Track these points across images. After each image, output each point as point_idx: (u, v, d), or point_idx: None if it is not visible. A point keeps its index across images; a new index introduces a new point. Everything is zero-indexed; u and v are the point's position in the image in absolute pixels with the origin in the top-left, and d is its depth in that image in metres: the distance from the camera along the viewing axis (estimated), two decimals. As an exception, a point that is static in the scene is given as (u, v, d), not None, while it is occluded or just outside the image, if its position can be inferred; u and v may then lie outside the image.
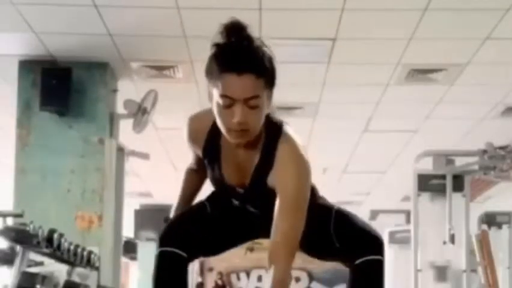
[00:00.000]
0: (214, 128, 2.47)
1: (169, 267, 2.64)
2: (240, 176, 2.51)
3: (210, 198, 2.77)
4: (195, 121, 2.62)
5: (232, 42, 2.33)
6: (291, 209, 2.41)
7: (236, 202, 2.64)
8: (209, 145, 2.55)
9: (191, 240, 2.66)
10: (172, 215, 2.87)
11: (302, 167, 2.43)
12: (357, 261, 2.60)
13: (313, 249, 2.73)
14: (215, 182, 2.61)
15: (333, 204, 2.73)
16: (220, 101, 2.32)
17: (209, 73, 2.37)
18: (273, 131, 2.46)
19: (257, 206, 2.60)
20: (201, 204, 2.77)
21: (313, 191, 2.67)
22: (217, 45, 2.35)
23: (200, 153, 2.61)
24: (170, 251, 2.63)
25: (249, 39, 2.35)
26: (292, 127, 2.54)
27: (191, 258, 2.68)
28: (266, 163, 2.44)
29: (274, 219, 2.42)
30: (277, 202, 2.42)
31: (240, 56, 2.32)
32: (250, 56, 2.33)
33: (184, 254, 2.64)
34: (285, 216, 2.40)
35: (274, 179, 2.44)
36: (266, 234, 2.50)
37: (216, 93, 2.33)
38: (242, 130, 2.34)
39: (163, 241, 2.66)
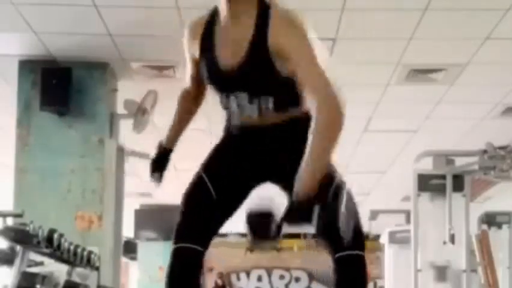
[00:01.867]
0: (211, 17, 2.59)
1: (186, 263, 2.63)
2: (237, 54, 2.50)
3: (207, 165, 2.74)
4: (193, 22, 2.74)
5: None
6: (307, 55, 2.42)
7: (234, 105, 2.60)
8: (205, 36, 2.60)
9: (204, 231, 2.67)
10: (163, 139, 2.91)
11: (297, 19, 2.49)
12: (338, 255, 2.58)
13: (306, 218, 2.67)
14: (210, 71, 2.60)
15: (336, 176, 2.65)
16: None
17: None
18: (266, 3, 2.51)
19: (255, 87, 2.56)
20: (201, 180, 2.73)
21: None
22: None
23: (197, 50, 2.64)
24: (186, 246, 2.63)
25: None
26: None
27: (206, 249, 2.67)
28: (261, 27, 2.46)
29: (299, 75, 2.38)
30: (292, 63, 2.40)
31: None
32: None
33: (200, 248, 2.63)
34: (305, 66, 2.39)
35: (274, 37, 2.44)
36: (271, 174, 2.53)
37: None
38: None
39: (177, 237, 2.65)
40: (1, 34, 6.03)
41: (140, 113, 6.72)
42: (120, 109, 6.78)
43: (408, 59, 6.38)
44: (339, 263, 2.59)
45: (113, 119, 6.64)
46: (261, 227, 2.39)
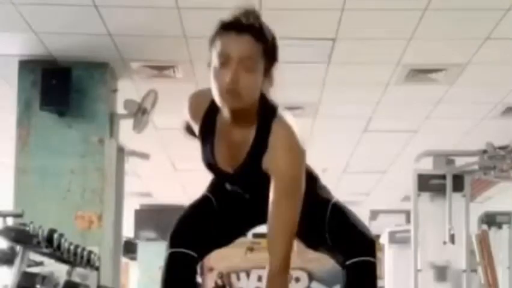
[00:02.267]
0: (212, 106, 2.48)
1: (179, 269, 2.63)
2: (233, 158, 2.50)
3: (212, 188, 2.76)
4: (194, 98, 2.64)
5: (239, 16, 2.38)
6: (285, 193, 2.41)
7: (228, 186, 2.64)
8: (205, 123, 2.54)
9: (201, 238, 2.66)
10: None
11: (295, 151, 2.42)
12: (348, 262, 2.58)
13: (309, 241, 2.72)
14: (207, 163, 2.59)
15: (332, 197, 2.70)
16: (217, 61, 2.34)
17: (211, 41, 2.39)
18: (268, 111, 2.45)
19: (248, 189, 2.59)
20: (206, 197, 2.74)
21: (314, 180, 2.67)
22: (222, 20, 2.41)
23: (197, 129, 2.60)
24: (180, 251, 2.63)
25: (255, 15, 2.39)
26: (290, 115, 2.53)
27: (202, 257, 2.68)
28: (260, 144, 2.43)
29: (269, 206, 2.42)
30: (271, 187, 2.42)
31: (241, 19, 2.36)
32: (252, 21, 2.37)
33: (195, 254, 2.64)
34: (278, 202, 2.41)
35: (268, 162, 2.43)
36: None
37: (214, 55, 2.36)
38: (234, 92, 2.33)
39: (173, 242, 2.65)
40: (1, 34, 6.03)
41: (140, 113, 6.72)
42: (120, 109, 6.77)
43: (408, 59, 6.38)
44: (349, 270, 2.59)
45: (113, 119, 6.64)
46: None
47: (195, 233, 2.66)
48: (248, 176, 2.50)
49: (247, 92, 2.35)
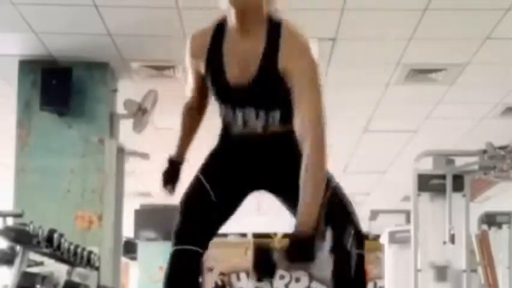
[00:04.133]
0: (217, 29, 2.55)
1: (186, 265, 2.63)
2: (246, 70, 2.51)
3: (205, 168, 2.75)
4: (197, 35, 2.67)
5: None
6: (309, 83, 2.45)
7: (239, 118, 2.62)
8: (212, 50, 2.57)
9: (203, 232, 2.67)
10: (173, 153, 2.94)
11: (309, 48, 2.49)
12: (337, 251, 2.59)
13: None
14: (219, 87, 2.59)
15: (332, 181, 2.70)
16: None
17: None
18: (275, 21, 2.52)
19: (263, 103, 2.58)
20: (199, 183, 2.73)
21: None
22: None
23: (203, 67, 2.62)
24: (186, 248, 2.62)
25: None
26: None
27: (205, 251, 2.68)
28: (272, 45, 2.47)
29: (295, 103, 2.44)
30: (293, 85, 2.44)
31: None
32: None
33: (200, 250, 2.63)
34: (304, 93, 2.44)
35: (284, 60, 2.45)
36: (268, 183, 2.57)
37: None
38: None
39: (178, 239, 2.65)
40: (1, 34, 6.03)
41: (140, 113, 6.72)
42: (120, 109, 6.77)
43: (408, 59, 6.38)
44: (340, 260, 2.60)
45: (113, 119, 6.64)
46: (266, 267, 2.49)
47: (198, 228, 2.66)
48: (265, 82, 2.50)
49: None
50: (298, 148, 2.51)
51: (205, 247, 2.68)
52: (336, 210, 2.63)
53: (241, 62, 2.51)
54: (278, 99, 2.48)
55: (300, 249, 2.33)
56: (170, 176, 2.93)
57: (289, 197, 2.60)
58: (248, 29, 2.47)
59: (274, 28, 2.49)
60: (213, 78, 2.58)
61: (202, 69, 2.63)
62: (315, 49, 2.54)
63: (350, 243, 2.59)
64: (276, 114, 2.57)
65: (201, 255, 2.65)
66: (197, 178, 2.75)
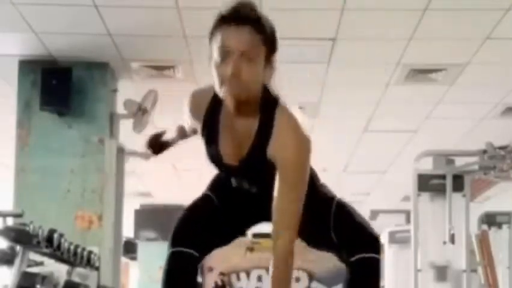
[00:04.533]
0: (215, 100, 2.49)
1: (181, 268, 2.63)
2: (238, 150, 2.50)
3: (213, 187, 2.76)
4: (196, 95, 2.63)
5: (237, 7, 2.39)
6: (290, 181, 2.42)
7: (234, 182, 2.63)
8: (208, 118, 2.55)
9: (202, 237, 2.66)
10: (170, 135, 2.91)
11: (300, 137, 2.43)
12: (353, 258, 2.58)
13: (311, 239, 2.72)
14: (211, 158, 2.59)
15: (334, 195, 2.72)
16: (217, 54, 2.35)
17: (211, 34, 2.40)
18: (271, 101, 2.46)
19: (254, 181, 2.58)
20: (207, 197, 2.74)
21: (314, 176, 2.67)
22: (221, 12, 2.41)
23: (199, 128, 2.60)
24: (182, 250, 2.62)
25: (252, 6, 2.41)
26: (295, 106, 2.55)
27: (203, 255, 2.68)
28: (264, 132, 2.44)
29: (275, 194, 2.42)
30: (277, 175, 2.43)
31: (240, 11, 2.37)
32: (250, 13, 2.38)
33: (196, 253, 2.63)
34: (283, 190, 2.41)
35: (273, 149, 2.43)
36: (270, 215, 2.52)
37: (214, 49, 2.37)
38: (236, 82, 2.33)
39: (174, 241, 2.65)
40: (1, 34, 6.03)
41: (140, 113, 6.72)
42: (120, 109, 6.77)
43: (408, 59, 6.38)
44: (354, 266, 2.59)
45: (113, 119, 6.64)
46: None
47: (197, 232, 2.65)
48: (254, 166, 2.50)
49: (249, 83, 2.36)
50: None
51: (203, 252, 2.66)
52: (346, 225, 2.64)
53: (234, 141, 2.50)
54: (268, 178, 2.47)
55: None
56: (158, 140, 2.92)
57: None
58: (243, 110, 2.45)
59: (268, 110, 2.45)
60: (207, 145, 2.58)
61: (198, 129, 2.62)
62: (306, 123, 2.50)
63: (364, 250, 2.59)
64: (269, 184, 2.53)
65: (197, 259, 2.64)
66: (204, 194, 2.76)
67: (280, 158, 2.41)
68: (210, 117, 2.54)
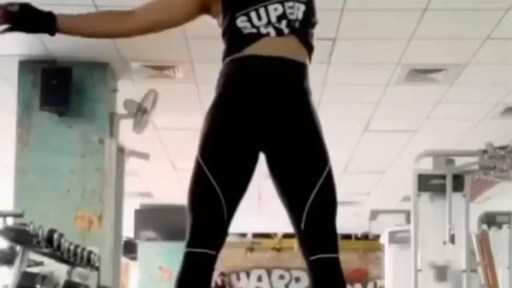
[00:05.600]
0: None
1: (198, 269, 2.55)
2: None
3: (205, 154, 2.64)
4: None
5: None
6: None
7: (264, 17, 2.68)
8: None
9: (216, 234, 2.58)
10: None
11: None
12: (320, 256, 2.51)
13: (289, 201, 2.61)
14: None
15: (328, 158, 2.71)
16: None
17: None
18: None
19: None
20: (206, 180, 2.59)
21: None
22: None
23: None
24: (199, 252, 2.56)
25: None
26: None
27: (219, 251, 2.59)
28: None
29: None
30: None
31: None
32: None
33: (213, 252, 2.58)
34: None
35: None
36: (274, 139, 2.60)
37: None
38: None
39: (190, 241, 2.56)
40: (1, 34, 6.02)
41: (140, 113, 6.72)
42: (120, 109, 6.77)
43: (408, 59, 6.38)
44: (321, 266, 2.51)
45: (113, 119, 6.64)
46: None
47: (210, 230, 2.55)
48: None
49: None
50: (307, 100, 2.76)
51: (219, 249, 2.58)
52: (321, 214, 2.56)
53: None
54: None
55: None
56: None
57: (287, 167, 2.60)
58: None
59: None
60: None
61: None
62: None
63: (326, 245, 2.52)
64: (301, 9, 2.74)
65: (214, 257, 2.58)
66: (197, 163, 2.64)
67: None
68: None
